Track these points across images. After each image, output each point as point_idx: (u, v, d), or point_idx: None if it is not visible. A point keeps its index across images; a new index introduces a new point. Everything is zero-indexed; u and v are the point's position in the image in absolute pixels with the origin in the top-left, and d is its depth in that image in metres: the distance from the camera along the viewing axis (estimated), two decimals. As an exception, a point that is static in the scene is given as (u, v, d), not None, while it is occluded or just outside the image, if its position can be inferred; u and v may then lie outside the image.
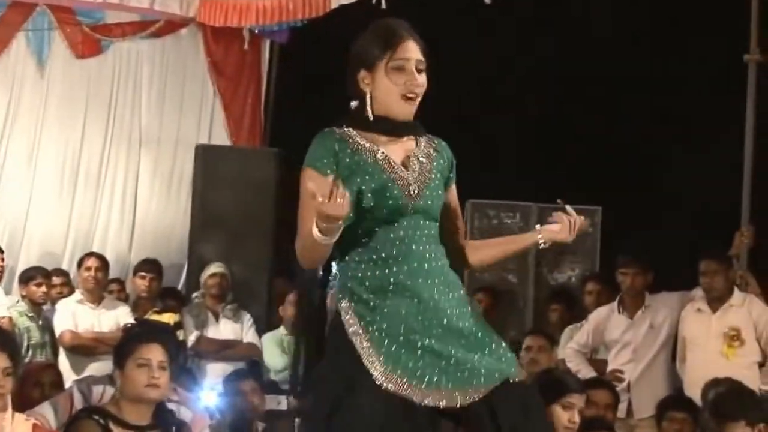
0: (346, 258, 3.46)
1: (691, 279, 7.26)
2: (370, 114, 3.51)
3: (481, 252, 3.73)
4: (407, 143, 3.56)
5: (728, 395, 5.48)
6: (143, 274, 8.66)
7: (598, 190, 9.39)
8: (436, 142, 3.65)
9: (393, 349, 3.31)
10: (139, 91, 10.12)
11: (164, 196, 10.16)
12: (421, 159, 3.54)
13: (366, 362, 3.29)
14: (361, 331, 3.34)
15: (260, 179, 8.95)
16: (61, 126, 9.80)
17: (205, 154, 9.32)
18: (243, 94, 10.44)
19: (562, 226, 3.67)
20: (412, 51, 3.50)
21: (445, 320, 3.38)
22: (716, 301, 7.06)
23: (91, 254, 8.58)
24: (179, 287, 9.45)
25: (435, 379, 3.29)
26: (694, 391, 6.33)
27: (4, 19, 9.58)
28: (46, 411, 4.81)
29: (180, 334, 7.55)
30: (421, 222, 3.47)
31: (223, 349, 8.15)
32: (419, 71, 3.50)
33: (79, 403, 4.85)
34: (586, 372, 7.08)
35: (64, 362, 7.73)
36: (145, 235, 10.05)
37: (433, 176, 3.54)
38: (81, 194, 9.87)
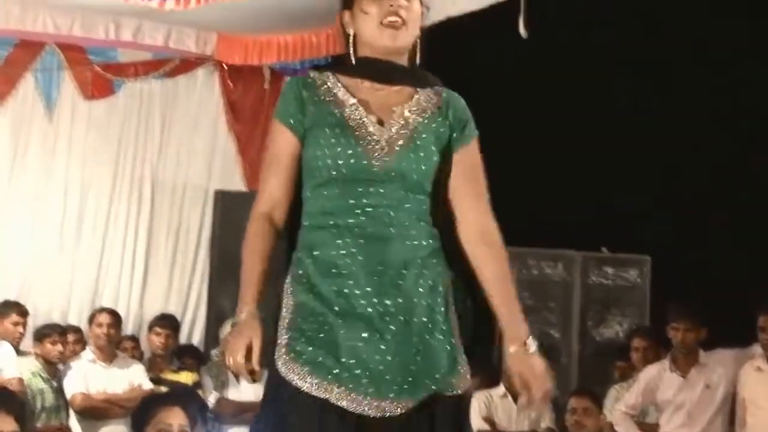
0: (306, 221, 3.19)
1: (748, 335, 7.21)
2: (351, 56, 3.26)
3: (484, 279, 3.19)
4: (398, 94, 3.24)
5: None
6: (158, 330, 8.61)
7: (648, 237, 9.36)
8: (444, 94, 3.30)
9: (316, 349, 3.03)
10: (152, 134, 10.14)
11: (178, 245, 10.16)
12: (408, 114, 3.20)
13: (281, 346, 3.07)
14: (288, 318, 3.11)
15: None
16: (69, 171, 9.81)
17: (224, 201, 9.36)
18: (261, 137, 10.43)
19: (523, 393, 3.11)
20: None
21: (395, 346, 3.02)
22: (777, 358, 7.01)
23: (102, 310, 8.56)
24: (197, 343, 9.45)
25: (360, 386, 2.99)
26: (755, 458, 6.29)
27: (11, 59, 9.61)
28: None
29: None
30: (396, 192, 3.13)
31: (245, 412, 8.08)
32: None
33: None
34: (636, 438, 7.04)
35: (75, 426, 7.72)
36: (158, 287, 10.04)
37: (417, 135, 3.18)
38: (89, 243, 9.85)
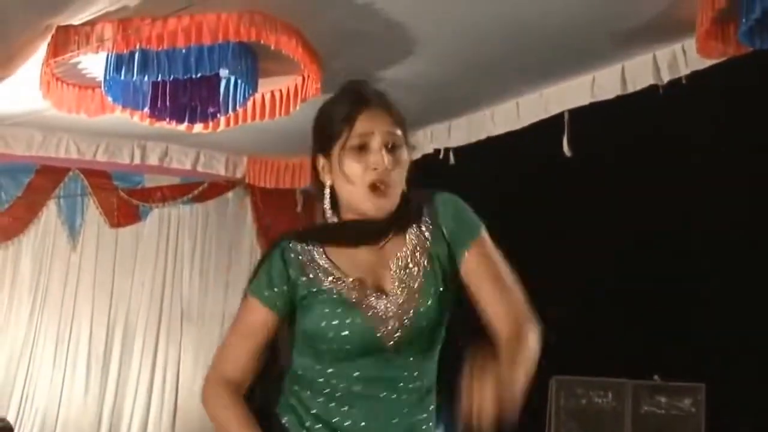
0: (295, 386, 2.99)
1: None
2: (328, 215, 2.96)
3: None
4: (389, 245, 2.94)
5: None
6: (188, 465, 8.58)
7: (701, 364, 9.25)
8: (428, 218, 2.99)
9: None
10: (181, 262, 10.16)
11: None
12: (409, 267, 2.91)
13: None
14: None
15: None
16: (96, 301, 9.82)
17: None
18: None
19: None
20: (378, 121, 2.89)
21: None
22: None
23: (131, 439, 8.55)
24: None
25: None
26: None
27: (33, 186, 9.62)
28: None
29: None
30: (407, 360, 2.90)
31: None
32: (392, 148, 2.89)
33: None
34: None
35: None
36: (190, 418, 9.97)
37: (423, 289, 2.89)
38: (116, 373, 9.85)
